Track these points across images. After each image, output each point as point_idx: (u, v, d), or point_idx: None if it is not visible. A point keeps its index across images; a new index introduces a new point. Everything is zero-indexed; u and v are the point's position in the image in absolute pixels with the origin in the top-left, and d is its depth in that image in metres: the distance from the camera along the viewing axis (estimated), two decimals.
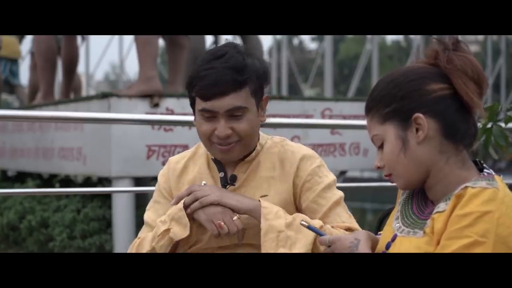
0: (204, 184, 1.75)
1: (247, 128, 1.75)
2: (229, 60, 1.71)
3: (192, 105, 1.79)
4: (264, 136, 1.87)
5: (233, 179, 1.81)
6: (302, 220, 1.65)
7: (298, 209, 1.81)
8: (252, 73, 1.73)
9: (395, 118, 1.47)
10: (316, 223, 1.69)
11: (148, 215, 1.90)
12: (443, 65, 1.46)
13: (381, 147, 1.52)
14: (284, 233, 1.67)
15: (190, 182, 1.85)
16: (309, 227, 1.62)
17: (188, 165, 1.89)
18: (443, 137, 1.46)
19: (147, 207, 1.93)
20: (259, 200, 1.73)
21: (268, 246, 1.66)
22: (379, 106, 1.50)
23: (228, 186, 1.81)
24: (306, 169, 1.80)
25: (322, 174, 1.82)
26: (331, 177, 1.83)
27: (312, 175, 1.80)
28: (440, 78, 1.46)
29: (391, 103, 1.48)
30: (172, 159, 1.93)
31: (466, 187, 1.41)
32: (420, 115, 1.44)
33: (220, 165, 1.84)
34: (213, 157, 1.85)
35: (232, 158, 1.79)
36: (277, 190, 1.79)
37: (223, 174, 1.83)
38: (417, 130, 1.46)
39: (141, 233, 1.90)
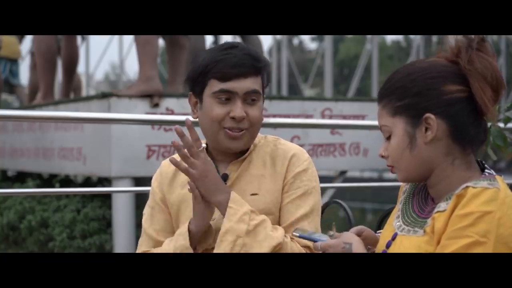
0: (204, 147, 1.73)
1: (258, 115, 1.78)
2: (245, 49, 1.77)
3: (199, 93, 1.79)
4: (258, 135, 1.87)
5: (225, 178, 1.81)
6: (295, 231, 1.65)
7: None
8: (265, 65, 1.80)
9: (406, 114, 1.46)
10: (280, 233, 1.72)
11: (145, 224, 1.90)
12: (463, 65, 1.44)
13: (388, 137, 1.51)
14: (241, 240, 1.68)
15: (182, 184, 1.84)
16: (300, 236, 1.62)
17: None
18: (451, 139, 1.45)
19: (144, 211, 1.92)
20: (231, 195, 1.73)
21: (223, 247, 1.68)
22: (392, 98, 1.48)
23: None
24: (292, 171, 1.81)
25: (305, 179, 1.81)
26: (312, 183, 1.82)
27: (295, 178, 1.80)
28: (458, 79, 1.44)
29: (405, 97, 1.46)
30: (164, 162, 1.93)
31: (467, 187, 1.41)
32: (431, 115, 1.43)
33: (213, 163, 1.82)
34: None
35: (238, 147, 1.79)
36: (268, 189, 1.80)
37: None
38: (426, 129, 1.45)
39: (141, 244, 1.89)
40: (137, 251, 1.88)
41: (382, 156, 1.53)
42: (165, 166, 1.91)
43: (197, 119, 1.83)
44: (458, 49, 1.46)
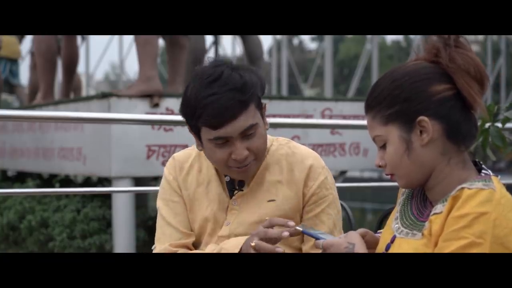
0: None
1: (261, 144, 1.74)
2: (229, 82, 1.67)
3: (196, 133, 1.75)
4: (270, 138, 1.84)
5: (242, 184, 1.81)
6: (299, 226, 1.64)
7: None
8: (254, 89, 1.70)
9: (399, 120, 1.46)
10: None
11: (166, 216, 1.84)
12: (445, 63, 1.44)
13: (382, 146, 1.50)
14: None
15: (198, 182, 1.84)
16: (304, 232, 1.62)
17: (194, 165, 1.87)
18: (446, 138, 1.45)
19: (159, 205, 1.87)
20: None
21: None
22: (381, 107, 1.48)
23: (236, 192, 1.81)
24: (315, 179, 1.80)
25: (329, 187, 1.82)
26: (334, 191, 1.84)
27: (321, 187, 1.80)
28: (443, 78, 1.45)
29: (394, 104, 1.46)
30: (178, 157, 1.89)
31: (463, 188, 1.41)
32: (425, 118, 1.43)
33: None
34: None
35: (248, 176, 1.78)
36: (285, 195, 1.79)
37: (228, 178, 1.82)
38: (421, 132, 1.44)
39: (165, 237, 1.83)
40: (160, 245, 1.82)
41: (380, 166, 1.53)
42: (179, 160, 1.89)
43: (202, 151, 1.80)
44: (437, 49, 1.46)
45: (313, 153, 1.85)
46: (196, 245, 1.85)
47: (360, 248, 1.50)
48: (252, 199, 1.79)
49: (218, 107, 1.65)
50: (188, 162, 1.88)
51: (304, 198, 1.80)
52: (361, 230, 1.60)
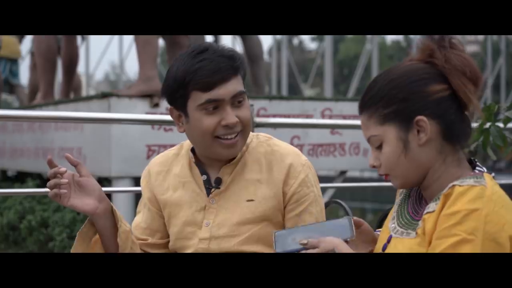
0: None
1: (248, 115, 1.73)
2: (218, 50, 1.70)
3: (182, 106, 1.72)
4: (250, 134, 1.81)
5: (218, 182, 1.77)
6: (276, 231, 1.58)
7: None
8: (241, 61, 1.73)
9: (396, 120, 1.46)
10: None
11: (137, 216, 1.95)
12: (441, 64, 1.45)
13: (378, 147, 1.50)
14: None
15: (174, 187, 1.83)
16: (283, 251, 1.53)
17: (171, 168, 1.86)
18: (443, 138, 1.46)
19: (138, 208, 1.98)
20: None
21: None
22: (377, 106, 1.47)
23: (213, 190, 1.78)
24: (295, 177, 1.76)
25: (310, 184, 1.78)
26: (316, 188, 1.80)
27: (302, 186, 1.76)
28: (439, 78, 1.45)
29: (392, 104, 1.46)
30: (153, 162, 1.92)
31: (454, 185, 1.41)
32: (423, 118, 1.43)
33: (202, 167, 1.80)
34: (194, 160, 1.81)
35: (234, 154, 1.74)
36: (264, 195, 1.75)
37: (205, 177, 1.79)
38: (418, 132, 1.45)
39: (134, 222, 1.97)
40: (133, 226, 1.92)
41: (374, 166, 1.52)
42: (155, 166, 1.90)
43: (183, 132, 1.78)
44: (431, 50, 1.47)
45: (293, 151, 1.80)
46: (176, 249, 1.84)
47: (344, 248, 1.46)
48: (231, 198, 1.76)
49: (211, 68, 1.67)
50: (165, 166, 1.87)
51: (285, 198, 1.76)
52: (356, 219, 1.60)
